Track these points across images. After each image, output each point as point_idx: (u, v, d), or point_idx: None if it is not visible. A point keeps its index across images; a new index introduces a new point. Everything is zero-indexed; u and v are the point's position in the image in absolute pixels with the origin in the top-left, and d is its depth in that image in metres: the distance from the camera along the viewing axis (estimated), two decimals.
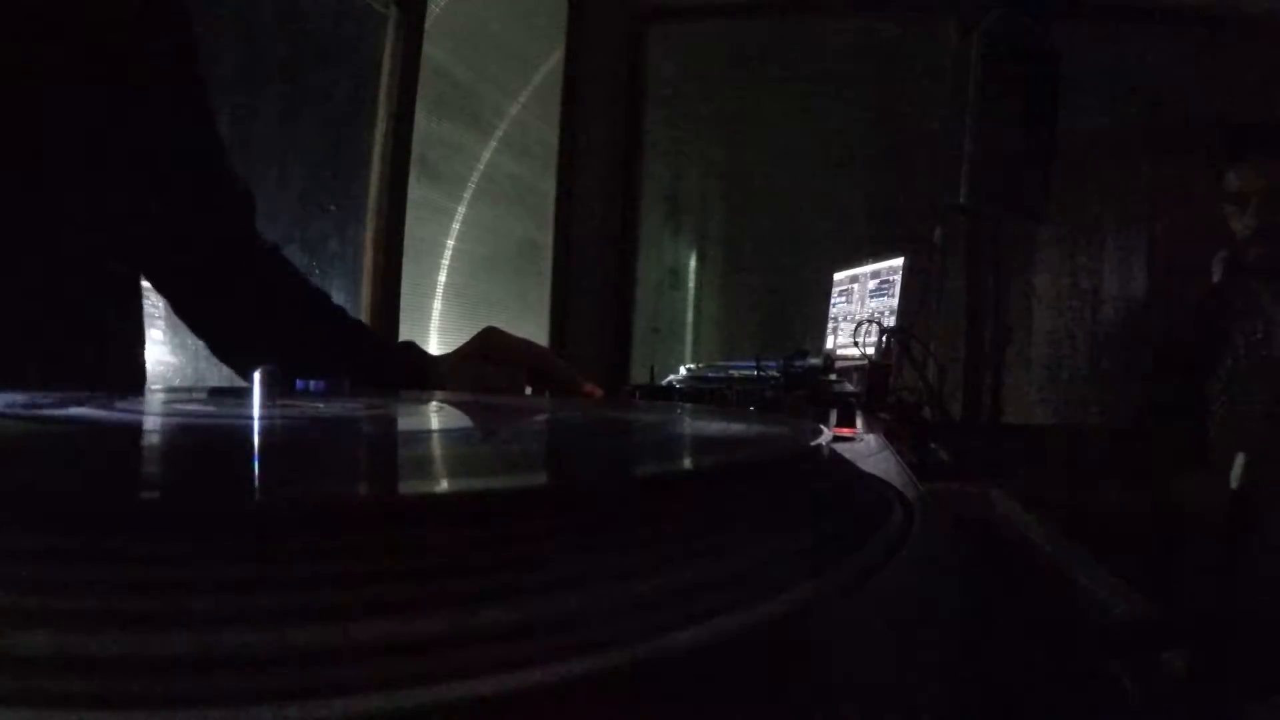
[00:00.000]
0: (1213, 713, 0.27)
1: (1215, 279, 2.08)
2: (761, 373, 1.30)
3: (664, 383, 1.44)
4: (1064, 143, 2.28)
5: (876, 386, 1.49)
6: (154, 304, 0.82)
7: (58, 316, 0.60)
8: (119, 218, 0.64)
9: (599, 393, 0.77)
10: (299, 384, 0.45)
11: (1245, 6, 2.32)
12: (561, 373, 0.76)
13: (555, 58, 2.79)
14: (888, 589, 0.20)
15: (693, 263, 2.94)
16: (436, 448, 0.29)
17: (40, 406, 0.33)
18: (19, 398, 0.34)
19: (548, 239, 2.79)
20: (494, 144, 2.46)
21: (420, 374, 0.75)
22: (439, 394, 0.60)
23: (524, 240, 2.71)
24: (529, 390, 0.75)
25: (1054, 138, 2.26)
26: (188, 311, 0.79)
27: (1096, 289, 2.53)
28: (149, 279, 0.76)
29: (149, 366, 0.77)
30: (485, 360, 0.75)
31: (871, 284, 2.05)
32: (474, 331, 0.79)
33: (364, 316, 1.91)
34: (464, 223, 2.33)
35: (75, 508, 0.15)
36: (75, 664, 0.12)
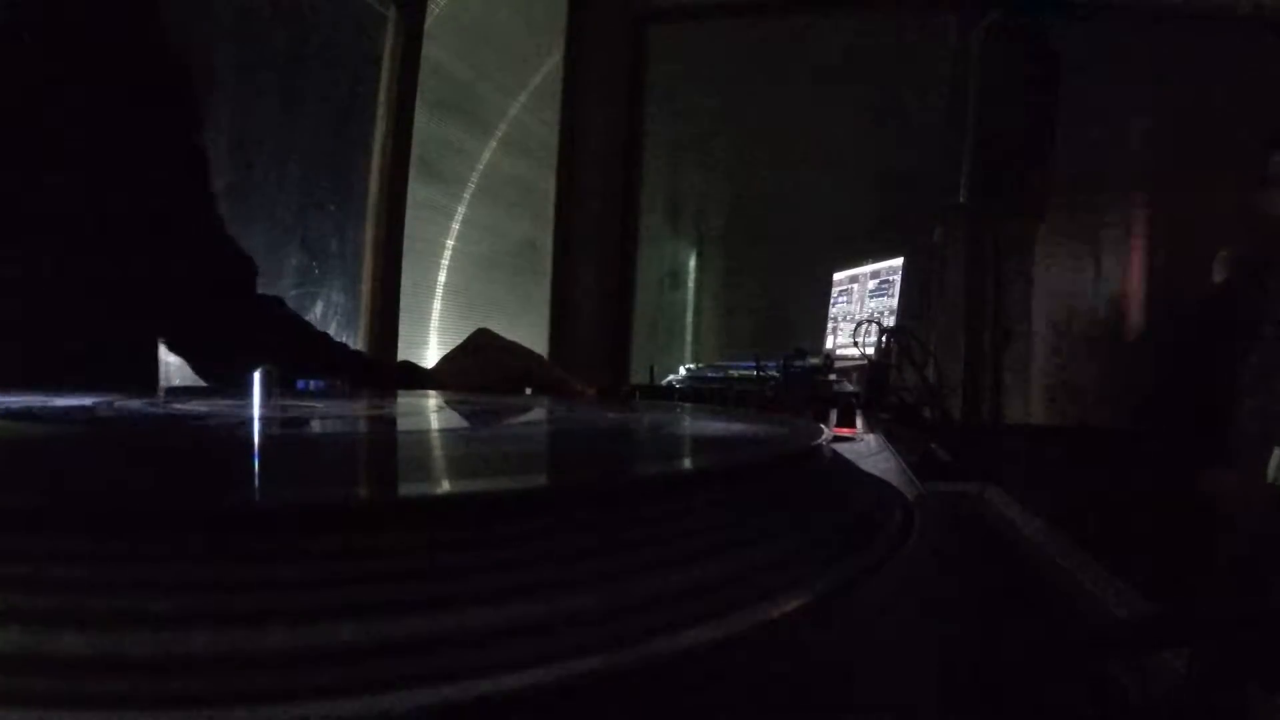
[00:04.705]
0: (1213, 712, 0.27)
1: (1216, 278, 2.08)
2: (761, 373, 1.30)
3: (664, 383, 1.44)
4: (1064, 142, 2.28)
5: (876, 386, 1.49)
6: None
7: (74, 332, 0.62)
8: (136, 280, 0.67)
9: (590, 393, 0.77)
10: (299, 384, 0.45)
11: (1243, 5, 2.32)
12: (551, 373, 0.76)
13: (555, 58, 2.79)
14: (888, 589, 0.20)
15: (693, 263, 2.93)
16: (424, 448, 0.29)
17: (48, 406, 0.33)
18: (12, 399, 0.34)
19: (548, 239, 2.79)
20: (494, 144, 2.46)
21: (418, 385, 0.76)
22: (423, 394, 0.60)
23: (524, 240, 2.71)
24: (528, 391, 0.75)
25: (1054, 137, 2.26)
26: (202, 369, 0.83)
27: (1096, 288, 2.53)
28: (164, 339, 0.81)
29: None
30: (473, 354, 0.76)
31: (871, 284, 2.05)
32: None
33: (364, 316, 1.90)
34: (464, 223, 2.33)
35: (75, 509, 0.15)
36: (54, 664, 0.12)
